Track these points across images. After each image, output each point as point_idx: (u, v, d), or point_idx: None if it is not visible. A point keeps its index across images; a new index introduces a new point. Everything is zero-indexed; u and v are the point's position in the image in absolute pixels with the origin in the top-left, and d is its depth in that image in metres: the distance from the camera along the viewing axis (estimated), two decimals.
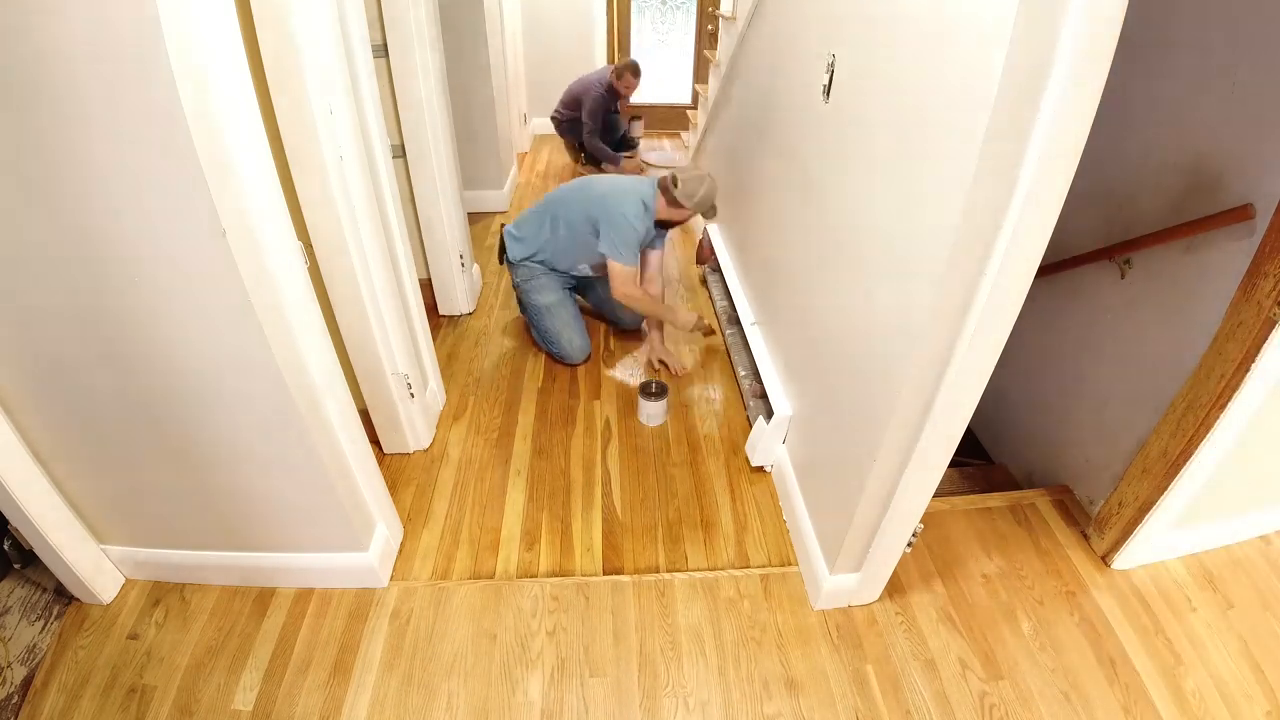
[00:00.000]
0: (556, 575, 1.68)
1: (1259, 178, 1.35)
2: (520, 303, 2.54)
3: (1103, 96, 0.85)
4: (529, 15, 4.59)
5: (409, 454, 2.04)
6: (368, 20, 1.60)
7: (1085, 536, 1.79)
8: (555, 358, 2.50)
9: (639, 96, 4.25)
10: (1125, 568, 1.71)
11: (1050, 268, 1.83)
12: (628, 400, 2.29)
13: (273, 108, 1.35)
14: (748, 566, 1.72)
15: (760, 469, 2.00)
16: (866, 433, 1.32)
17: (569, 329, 2.44)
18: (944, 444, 1.23)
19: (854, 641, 1.54)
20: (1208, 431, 1.42)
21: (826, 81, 1.51)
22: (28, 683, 1.41)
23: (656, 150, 4.70)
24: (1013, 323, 1.06)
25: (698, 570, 1.70)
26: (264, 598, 1.59)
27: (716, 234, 2.90)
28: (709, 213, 2.30)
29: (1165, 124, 1.56)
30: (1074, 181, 0.91)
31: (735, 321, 2.44)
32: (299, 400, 1.25)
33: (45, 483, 1.40)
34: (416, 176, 2.36)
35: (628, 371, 2.47)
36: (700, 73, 4.89)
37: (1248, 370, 1.33)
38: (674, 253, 3.37)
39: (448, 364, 2.46)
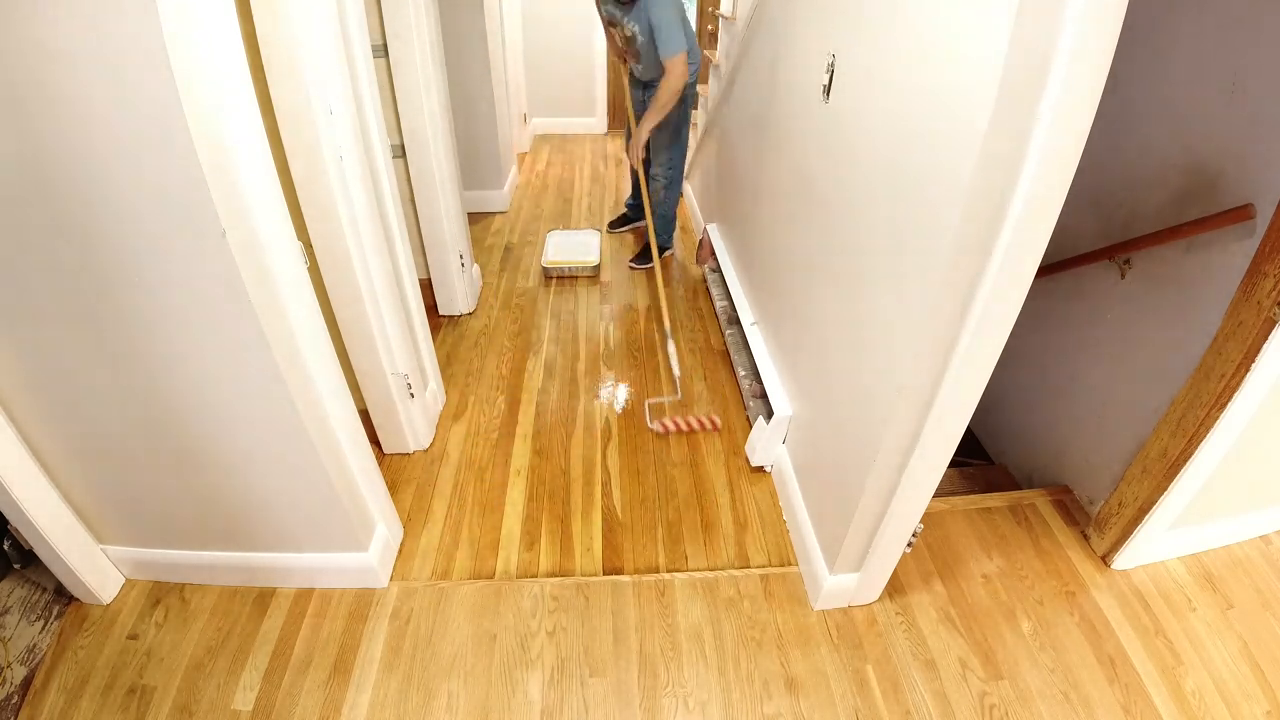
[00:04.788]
0: (556, 575, 1.68)
1: (1259, 178, 1.35)
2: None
3: (1103, 96, 0.85)
4: (529, 15, 4.59)
5: (409, 454, 2.04)
6: (368, 20, 1.60)
7: (1085, 536, 1.79)
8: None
9: None
10: (1125, 568, 1.71)
11: (1050, 268, 1.83)
12: (626, 397, 2.30)
13: (273, 108, 1.35)
14: (748, 566, 1.72)
15: (760, 469, 2.00)
16: (866, 432, 1.32)
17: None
18: (944, 444, 1.23)
19: (854, 641, 1.54)
20: (1208, 432, 1.42)
21: (826, 81, 1.51)
22: (28, 683, 1.41)
23: None
24: (1013, 323, 1.06)
25: (698, 570, 1.70)
26: (264, 598, 1.59)
27: (716, 234, 2.90)
28: None
29: (1165, 124, 1.56)
30: (1074, 181, 0.91)
31: (735, 321, 2.44)
32: (299, 400, 1.25)
33: (45, 483, 1.40)
34: (416, 176, 2.36)
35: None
36: (700, 73, 4.89)
37: (1248, 370, 1.33)
38: (672, 252, 3.37)
39: (448, 364, 2.46)
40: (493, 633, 1.54)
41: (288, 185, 1.43)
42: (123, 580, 1.62)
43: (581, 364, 2.49)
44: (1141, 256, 1.65)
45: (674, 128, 2.82)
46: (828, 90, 1.51)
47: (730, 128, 2.79)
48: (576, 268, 3.07)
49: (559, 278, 3.07)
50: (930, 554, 1.74)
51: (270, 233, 1.12)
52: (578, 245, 3.22)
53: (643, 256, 3.17)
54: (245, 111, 1.04)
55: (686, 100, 2.76)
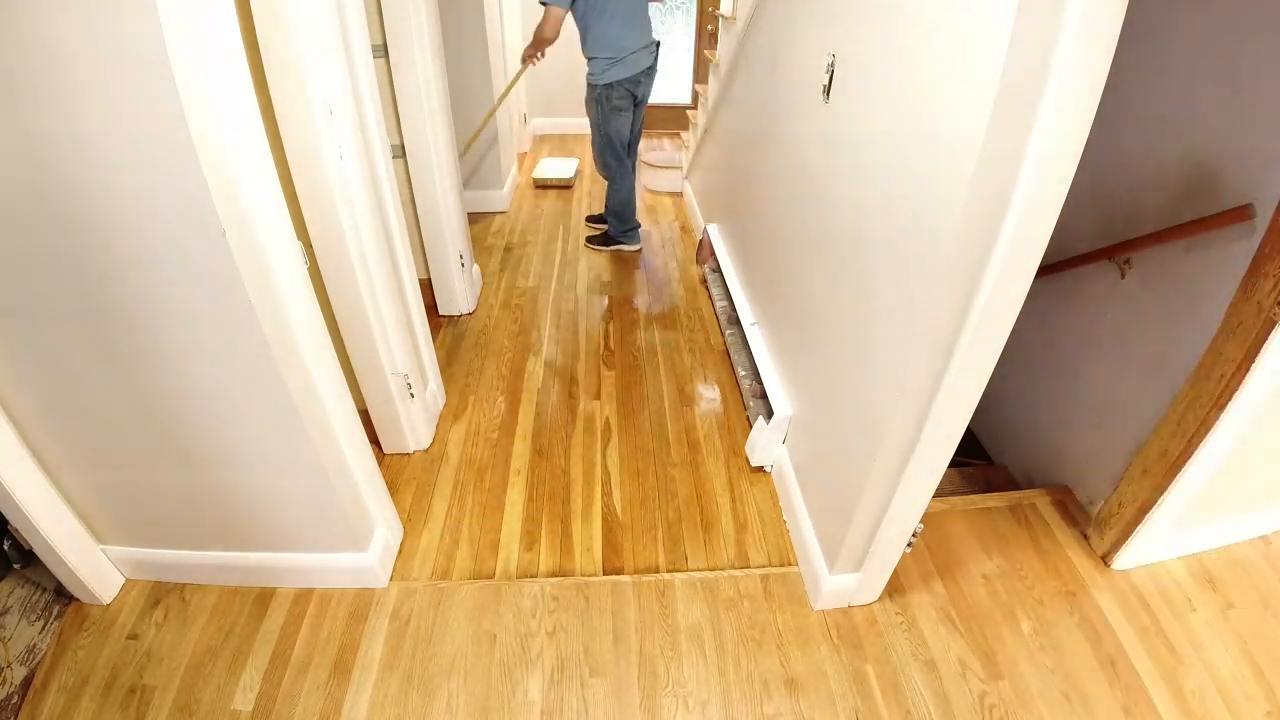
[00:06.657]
0: (556, 575, 1.68)
1: (1259, 178, 1.35)
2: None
3: (1103, 96, 0.85)
4: (529, 15, 4.58)
5: (409, 454, 2.04)
6: (368, 20, 1.60)
7: (1085, 537, 1.79)
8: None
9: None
10: (1125, 568, 1.71)
11: (1050, 268, 1.83)
12: (626, 397, 2.30)
13: (273, 108, 1.35)
14: (748, 566, 1.72)
15: (760, 469, 2.00)
16: (866, 433, 1.32)
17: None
18: (944, 444, 1.23)
19: (854, 641, 1.54)
20: (1208, 431, 1.42)
21: (826, 81, 1.51)
22: (28, 683, 1.41)
23: (656, 150, 4.70)
24: (1012, 323, 1.06)
25: (698, 570, 1.70)
26: (264, 598, 1.59)
27: (716, 234, 2.90)
28: None
29: (1165, 124, 1.56)
30: (1074, 181, 0.91)
31: (735, 321, 2.44)
32: (299, 400, 1.25)
33: (45, 483, 1.40)
34: (416, 176, 2.36)
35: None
36: (700, 73, 4.89)
37: (1248, 370, 1.33)
38: (672, 252, 3.37)
39: (448, 364, 2.46)
40: (493, 633, 1.54)
41: (288, 185, 1.43)
42: (123, 580, 1.62)
43: (581, 363, 2.49)
44: (1141, 256, 1.65)
45: (595, 124, 3.00)
46: (828, 90, 1.51)
47: (730, 128, 2.79)
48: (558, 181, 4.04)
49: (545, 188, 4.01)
50: (930, 554, 1.74)
51: (270, 233, 1.12)
52: (561, 166, 4.19)
53: (595, 239, 3.44)
54: (245, 111, 1.04)
55: (600, 101, 2.89)
